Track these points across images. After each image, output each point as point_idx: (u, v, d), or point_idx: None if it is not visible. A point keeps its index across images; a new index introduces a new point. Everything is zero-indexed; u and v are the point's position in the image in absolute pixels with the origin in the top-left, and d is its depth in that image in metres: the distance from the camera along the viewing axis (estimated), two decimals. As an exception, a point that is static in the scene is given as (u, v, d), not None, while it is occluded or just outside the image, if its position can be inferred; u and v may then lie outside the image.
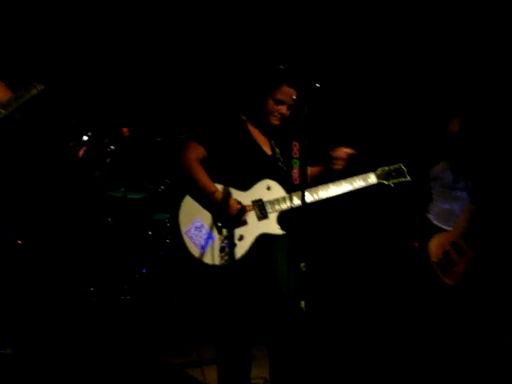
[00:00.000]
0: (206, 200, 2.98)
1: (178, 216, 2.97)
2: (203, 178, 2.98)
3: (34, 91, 3.61)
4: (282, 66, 3.05)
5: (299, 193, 3.03)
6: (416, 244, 6.06)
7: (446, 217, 4.32)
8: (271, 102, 3.14)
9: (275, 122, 3.19)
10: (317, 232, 6.06)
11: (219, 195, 2.96)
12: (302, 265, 2.47)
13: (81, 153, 5.86)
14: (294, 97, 3.01)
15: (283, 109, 3.14)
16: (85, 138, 5.74)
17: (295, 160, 2.99)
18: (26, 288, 5.02)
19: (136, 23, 6.34)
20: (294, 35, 5.90)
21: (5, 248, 5.00)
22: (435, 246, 4.20)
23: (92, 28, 6.20)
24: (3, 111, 3.59)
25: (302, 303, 2.45)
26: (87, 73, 3.81)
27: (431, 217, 4.40)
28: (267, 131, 3.29)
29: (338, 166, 3.22)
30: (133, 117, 6.75)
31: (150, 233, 5.91)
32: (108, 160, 6.04)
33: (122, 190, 5.88)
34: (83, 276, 5.58)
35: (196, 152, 3.05)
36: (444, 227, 4.30)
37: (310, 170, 3.33)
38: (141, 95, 6.83)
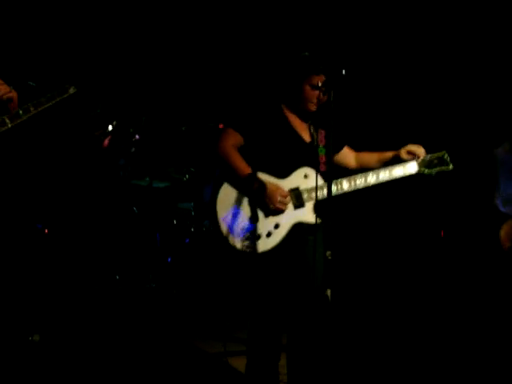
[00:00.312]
0: (242, 185, 2.97)
1: (216, 203, 2.96)
2: (240, 163, 2.96)
3: (65, 95, 3.55)
4: (307, 53, 3.01)
5: (338, 180, 3.04)
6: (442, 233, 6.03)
7: None
8: (308, 88, 3.10)
9: (313, 108, 3.13)
10: (355, 221, 6.03)
11: (256, 180, 2.96)
12: (328, 253, 2.44)
13: (106, 142, 5.89)
14: (320, 83, 2.98)
15: (320, 94, 3.09)
16: (110, 127, 5.77)
17: (321, 148, 2.98)
18: (53, 276, 5.06)
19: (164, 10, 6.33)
20: (322, 21, 5.83)
21: (32, 236, 5.05)
22: (507, 234, 4.05)
23: (114, 17, 6.22)
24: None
25: (328, 291, 2.42)
26: (111, 62, 3.77)
27: (498, 203, 4.22)
28: (307, 117, 3.25)
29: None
30: (157, 106, 6.77)
31: (174, 222, 5.92)
32: (133, 149, 6.06)
33: (147, 179, 5.89)
34: (109, 265, 5.60)
35: (233, 139, 3.03)
36: None
37: (367, 156, 3.31)
38: (166, 84, 6.82)
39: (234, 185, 3.00)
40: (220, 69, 6.85)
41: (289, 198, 3.00)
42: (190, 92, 6.95)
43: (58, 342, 4.37)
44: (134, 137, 6.01)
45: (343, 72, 2.55)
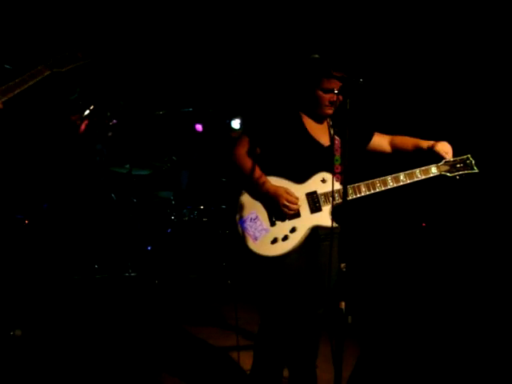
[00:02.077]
0: (257, 192, 3.03)
1: (236, 208, 3.05)
2: (254, 170, 3.01)
3: (39, 77, 3.43)
4: (316, 55, 2.96)
5: (356, 185, 3.04)
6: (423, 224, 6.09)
7: None
8: (320, 93, 3.08)
9: (329, 111, 3.11)
10: (373, 226, 6.03)
11: (270, 187, 3.00)
12: (343, 265, 2.43)
13: (83, 127, 5.76)
14: (332, 86, 2.95)
15: (333, 97, 3.06)
16: (87, 111, 5.64)
17: (337, 157, 2.99)
18: (32, 266, 4.96)
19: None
20: (337, 28, 5.75)
21: (12, 227, 4.94)
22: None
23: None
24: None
25: (342, 304, 2.41)
26: (90, 47, 3.64)
27: None
28: (325, 120, 3.24)
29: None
30: (134, 89, 6.64)
31: (154, 210, 5.86)
32: (110, 134, 5.95)
33: (127, 166, 5.79)
34: (87, 253, 5.52)
35: (248, 148, 3.06)
36: None
37: (403, 140, 3.26)
38: (142, 67, 6.69)
39: (248, 191, 3.06)
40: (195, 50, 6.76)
41: (302, 202, 3.02)
42: (167, 76, 6.84)
43: (40, 336, 4.29)
44: (112, 121, 5.89)
45: (361, 80, 2.51)
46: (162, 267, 5.49)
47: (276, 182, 3.06)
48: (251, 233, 3.01)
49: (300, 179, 3.07)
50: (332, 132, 3.22)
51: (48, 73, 3.42)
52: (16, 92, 3.37)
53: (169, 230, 5.68)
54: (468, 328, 4.38)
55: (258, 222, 3.03)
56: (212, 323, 4.81)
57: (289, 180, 3.06)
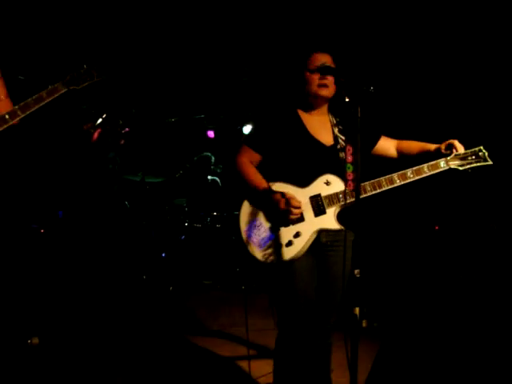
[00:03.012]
0: (259, 199, 2.98)
1: (239, 216, 3.02)
2: (254, 178, 2.96)
3: (56, 94, 3.46)
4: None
5: (362, 185, 2.90)
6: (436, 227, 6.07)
7: None
8: (308, 75, 3.00)
9: (323, 92, 3.00)
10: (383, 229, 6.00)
11: (271, 193, 2.94)
12: (357, 271, 2.41)
13: (95, 135, 5.80)
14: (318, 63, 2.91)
15: (319, 75, 2.97)
16: (99, 120, 5.69)
17: (349, 165, 2.91)
18: (48, 275, 4.99)
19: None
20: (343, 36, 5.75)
21: (28, 237, 4.97)
22: None
23: (104, 9, 6.10)
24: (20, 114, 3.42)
25: (357, 310, 2.40)
26: (104, 64, 3.67)
27: None
28: (326, 116, 3.14)
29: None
30: (146, 97, 6.69)
31: (168, 217, 5.89)
32: (122, 141, 6.00)
33: (140, 174, 5.83)
34: (102, 260, 5.56)
35: (249, 156, 3.03)
36: None
37: (409, 144, 3.18)
38: (154, 75, 6.73)
39: (250, 199, 3.02)
40: (208, 60, 6.79)
41: (306, 206, 2.94)
42: (179, 83, 6.88)
43: (57, 342, 4.32)
44: (124, 129, 5.94)
45: (371, 88, 2.50)
46: (177, 274, 5.51)
47: (280, 187, 2.99)
48: (255, 240, 2.97)
49: (304, 183, 2.99)
50: (336, 131, 3.13)
51: (65, 90, 3.45)
52: (34, 109, 3.41)
53: (183, 237, 5.71)
54: (482, 330, 4.35)
55: (262, 229, 2.98)
56: (225, 330, 4.84)
57: (293, 184, 2.99)
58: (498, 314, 4.38)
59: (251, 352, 3.71)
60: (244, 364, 3.96)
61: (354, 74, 2.80)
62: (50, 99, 3.43)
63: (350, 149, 2.91)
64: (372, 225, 5.50)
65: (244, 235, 2.98)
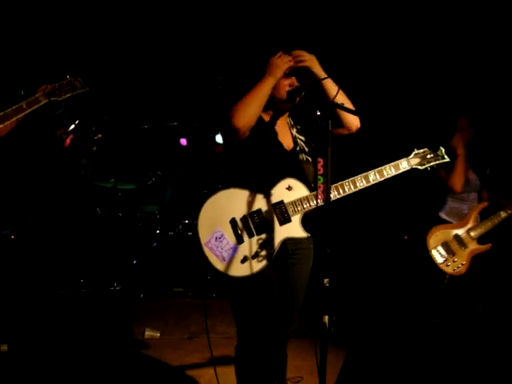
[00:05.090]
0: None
1: (197, 227, 2.80)
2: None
3: (36, 105, 3.41)
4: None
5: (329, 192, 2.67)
6: (405, 237, 6.19)
7: (456, 214, 4.47)
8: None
9: (285, 95, 2.92)
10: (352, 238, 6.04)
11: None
12: (326, 281, 2.42)
13: (68, 141, 5.78)
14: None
15: (293, 81, 2.90)
16: (72, 126, 5.67)
17: (320, 176, 2.71)
18: (18, 282, 4.95)
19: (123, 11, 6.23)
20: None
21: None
22: (434, 235, 4.31)
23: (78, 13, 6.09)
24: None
25: (325, 318, 2.42)
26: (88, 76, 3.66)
27: (442, 214, 4.54)
28: (284, 118, 3.05)
29: None
30: (119, 104, 6.67)
31: (140, 224, 5.88)
32: (95, 148, 5.98)
33: (112, 180, 5.81)
34: (73, 267, 5.53)
35: None
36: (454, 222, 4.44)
37: None
38: (128, 82, 6.72)
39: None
40: (180, 66, 6.80)
41: (268, 214, 2.81)
42: (152, 90, 6.88)
43: (26, 350, 4.30)
44: (97, 135, 5.92)
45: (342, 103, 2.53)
46: (148, 281, 5.50)
47: (235, 194, 2.83)
48: (218, 253, 2.77)
49: (264, 189, 2.85)
50: (295, 132, 3.07)
51: (45, 101, 3.41)
52: (13, 120, 3.36)
53: (154, 244, 5.71)
54: (443, 338, 4.44)
55: (225, 241, 2.78)
56: (195, 337, 4.86)
57: (251, 190, 2.83)
58: (461, 324, 4.49)
59: (220, 360, 3.72)
60: (211, 372, 3.99)
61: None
62: (30, 110, 3.38)
63: (320, 160, 2.87)
64: (339, 231, 5.55)
65: (205, 248, 2.79)
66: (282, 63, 2.87)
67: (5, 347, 4.26)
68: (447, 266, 4.24)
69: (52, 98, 3.44)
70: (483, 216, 4.41)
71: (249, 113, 2.81)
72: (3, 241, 5.02)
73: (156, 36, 6.53)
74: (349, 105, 3.01)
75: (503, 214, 4.35)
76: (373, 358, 4.08)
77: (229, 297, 2.96)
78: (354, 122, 3.07)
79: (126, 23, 6.36)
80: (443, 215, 4.53)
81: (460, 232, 4.33)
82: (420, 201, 5.22)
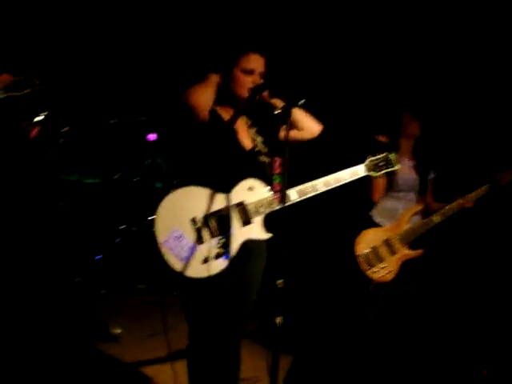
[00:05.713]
0: None
1: (154, 225, 2.73)
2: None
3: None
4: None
5: (283, 191, 2.69)
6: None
7: (389, 214, 4.32)
8: (239, 74, 2.87)
9: (245, 93, 2.88)
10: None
11: None
12: (280, 281, 2.40)
13: (33, 133, 5.69)
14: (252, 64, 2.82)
15: (256, 78, 2.85)
16: (39, 117, 5.58)
17: (276, 176, 2.84)
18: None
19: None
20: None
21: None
22: (363, 240, 4.16)
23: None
24: None
25: (278, 319, 2.39)
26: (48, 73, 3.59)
27: (374, 214, 4.39)
28: (244, 117, 3.03)
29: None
30: (89, 97, 6.59)
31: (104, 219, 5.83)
32: (62, 140, 5.90)
33: (77, 174, 5.74)
34: (36, 262, 5.44)
35: None
36: (386, 225, 4.30)
37: None
38: (98, 74, 6.64)
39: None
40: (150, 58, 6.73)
41: (230, 214, 2.77)
42: (121, 85, 6.80)
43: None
44: (64, 128, 5.84)
45: (302, 101, 2.52)
46: (110, 277, 5.45)
47: (195, 192, 2.77)
48: (177, 253, 2.70)
49: (224, 188, 2.78)
50: (253, 132, 3.05)
51: (4, 96, 3.33)
52: None
53: (117, 240, 5.65)
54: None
55: (184, 241, 2.71)
56: (157, 334, 4.81)
57: (212, 189, 2.75)
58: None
59: (180, 357, 3.70)
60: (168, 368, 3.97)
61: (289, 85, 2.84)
62: None
63: (276, 160, 2.86)
64: (298, 232, 5.52)
65: (162, 248, 2.72)
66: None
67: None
68: (374, 272, 4.09)
69: (10, 94, 3.35)
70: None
71: (203, 95, 2.83)
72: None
73: (126, 30, 6.45)
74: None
75: (435, 219, 4.19)
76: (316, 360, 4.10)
77: (182, 296, 2.92)
78: (314, 125, 3.10)
79: (95, 15, 6.28)
80: (375, 216, 4.37)
81: (390, 236, 4.16)
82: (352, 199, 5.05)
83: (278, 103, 2.81)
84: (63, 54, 6.04)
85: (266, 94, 2.91)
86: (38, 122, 5.55)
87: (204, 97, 2.83)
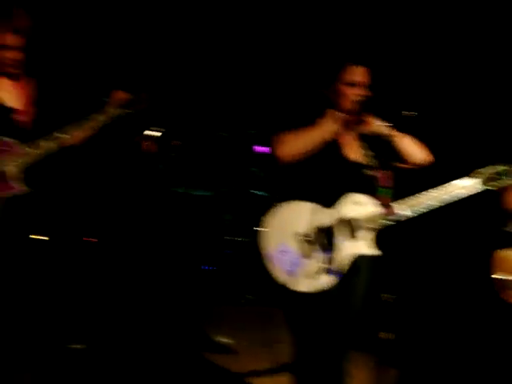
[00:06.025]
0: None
1: (260, 238, 2.75)
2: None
3: (109, 119, 3.44)
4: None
5: (394, 205, 2.72)
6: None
7: None
8: (343, 88, 2.83)
9: (350, 106, 2.83)
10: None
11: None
12: (387, 296, 2.33)
13: (149, 148, 5.89)
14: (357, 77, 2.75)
15: (359, 90, 2.80)
16: (154, 132, 5.76)
17: (382, 189, 2.71)
18: (98, 284, 5.06)
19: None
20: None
21: (81, 248, 5.08)
22: (503, 260, 3.92)
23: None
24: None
25: (385, 334, 2.33)
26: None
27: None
28: (356, 130, 2.92)
29: None
30: (199, 112, 6.74)
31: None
32: (173, 154, 6.07)
33: (188, 187, 5.89)
34: (146, 271, 5.62)
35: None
36: None
37: None
38: (208, 90, 6.78)
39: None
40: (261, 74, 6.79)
41: (337, 230, 2.74)
42: (232, 98, 6.91)
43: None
44: (175, 142, 6.01)
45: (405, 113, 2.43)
46: (221, 288, 5.53)
47: (300, 207, 2.75)
48: (282, 266, 2.69)
49: (328, 202, 2.75)
50: (362, 145, 2.96)
51: (122, 113, 3.42)
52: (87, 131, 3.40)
53: (229, 252, 5.73)
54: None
55: (290, 255, 2.71)
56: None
57: (317, 204, 2.74)
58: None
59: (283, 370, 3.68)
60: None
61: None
62: (107, 121, 3.42)
63: (384, 173, 2.77)
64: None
65: (268, 260, 2.74)
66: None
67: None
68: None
69: (127, 112, 3.43)
70: None
71: (291, 150, 2.80)
72: (87, 246, 5.17)
73: (244, 46, 6.51)
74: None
75: None
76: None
77: (286, 309, 2.90)
78: (421, 156, 2.99)
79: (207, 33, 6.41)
80: None
81: None
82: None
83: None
84: (173, 69, 6.20)
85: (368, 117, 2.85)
86: (151, 136, 5.75)
87: (294, 150, 2.81)
